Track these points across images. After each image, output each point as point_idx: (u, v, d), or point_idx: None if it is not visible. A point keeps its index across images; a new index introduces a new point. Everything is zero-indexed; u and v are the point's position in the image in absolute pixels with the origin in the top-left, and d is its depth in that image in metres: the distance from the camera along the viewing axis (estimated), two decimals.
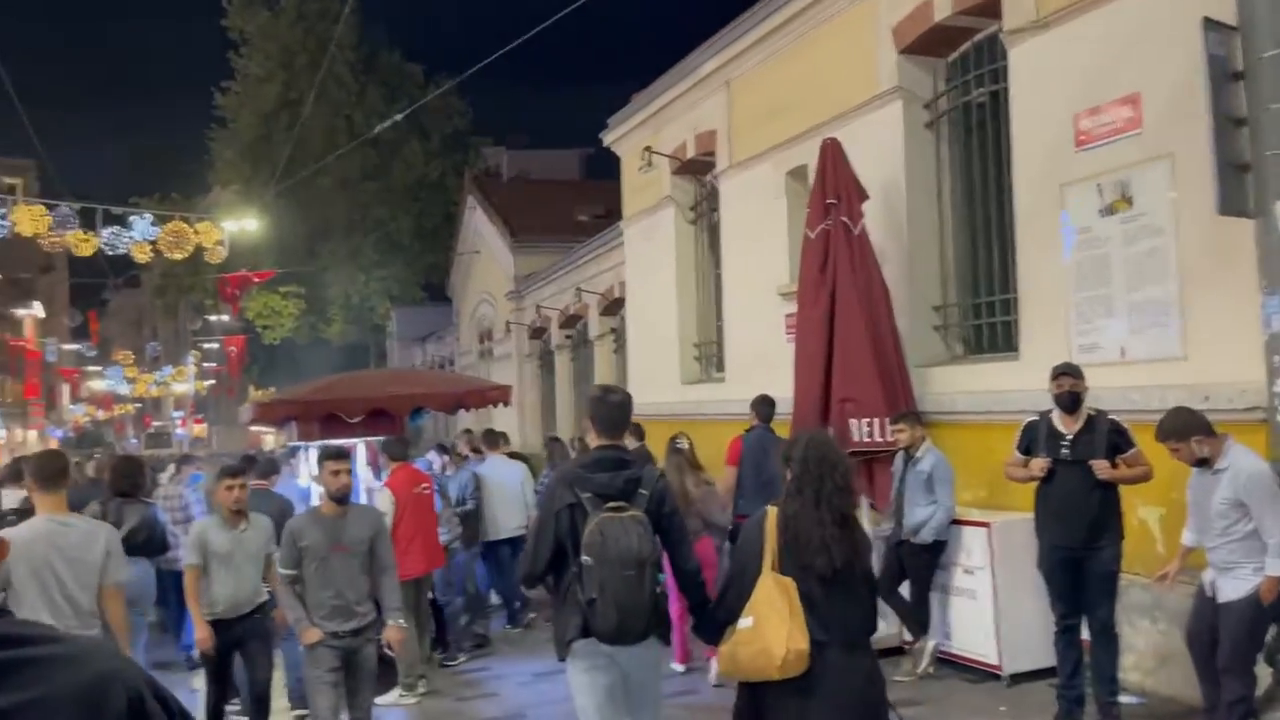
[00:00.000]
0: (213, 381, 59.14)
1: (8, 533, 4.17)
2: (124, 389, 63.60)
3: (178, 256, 20.67)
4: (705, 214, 11.12)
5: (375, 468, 7.91)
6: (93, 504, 6.22)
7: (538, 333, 19.06)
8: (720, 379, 10.51)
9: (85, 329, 72.00)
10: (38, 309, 59.69)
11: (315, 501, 7.95)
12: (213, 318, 41.03)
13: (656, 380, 11.75)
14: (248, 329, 33.52)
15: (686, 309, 11.26)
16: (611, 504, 3.44)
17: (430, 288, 27.17)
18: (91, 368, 66.43)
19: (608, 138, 12.78)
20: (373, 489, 7.19)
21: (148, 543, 6.32)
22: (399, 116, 15.80)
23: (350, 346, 30.14)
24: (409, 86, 25.63)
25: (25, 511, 5.92)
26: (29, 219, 19.26)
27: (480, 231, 23.16)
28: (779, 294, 8.99)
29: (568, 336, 17.55)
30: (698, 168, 10.96)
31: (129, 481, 6.52)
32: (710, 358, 11.14)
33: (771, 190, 9.23)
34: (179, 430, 67.98)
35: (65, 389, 66.36)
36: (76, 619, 4.06)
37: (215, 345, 47.76)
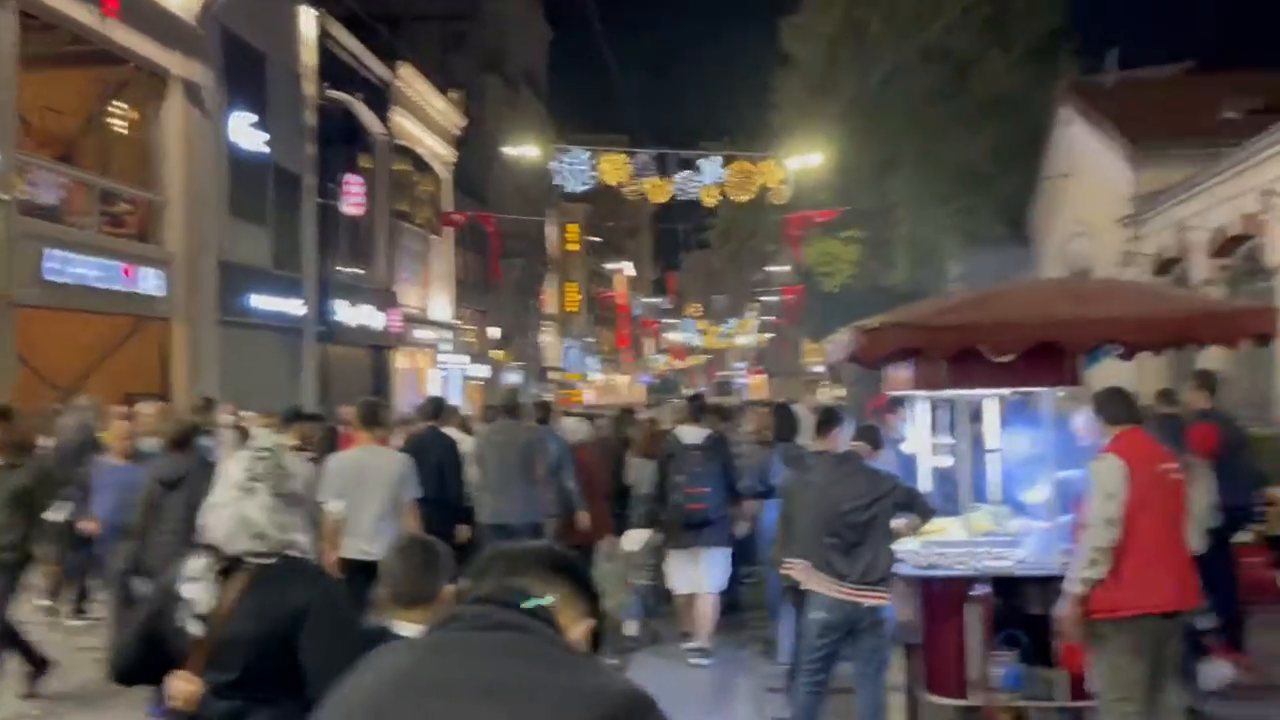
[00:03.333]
0: (772, 335, 61.20)
1: (334, 457, 6.07)
2: (696, 341, 68.90)
3: (743, 198, 19.99)
4: None
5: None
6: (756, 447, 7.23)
7: (1166, 266, 14.78)
8: None
9: (665, 287, 79.60)
10: (629, 268, 66.88)
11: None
12: (771, 268, 41.48)
13: None
14: (804, 279, 32.85)
15: None
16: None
17: (1009, 224, 23.49)
18: (668, 320, 73.07)
19: None
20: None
21: None
22: None
23: (907, 296, 27.53)
24: None
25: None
26: (612, 169, 19.98)
27: (1077, 148, 19.08)
28: None
29: (1223, 267, 13.13)
30: None
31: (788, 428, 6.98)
32: None
33: None
34: (740, 380, 72.08)
35: (649, 342, 74.03)
36: (378, 523, 5.43)
37: (774, 298, 48.82)
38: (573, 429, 8.45)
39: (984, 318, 4.48)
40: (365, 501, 5.51)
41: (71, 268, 12.44)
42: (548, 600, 1.35)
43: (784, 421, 6.95)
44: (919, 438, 5.60)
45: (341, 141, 21.86)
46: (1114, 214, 16.76)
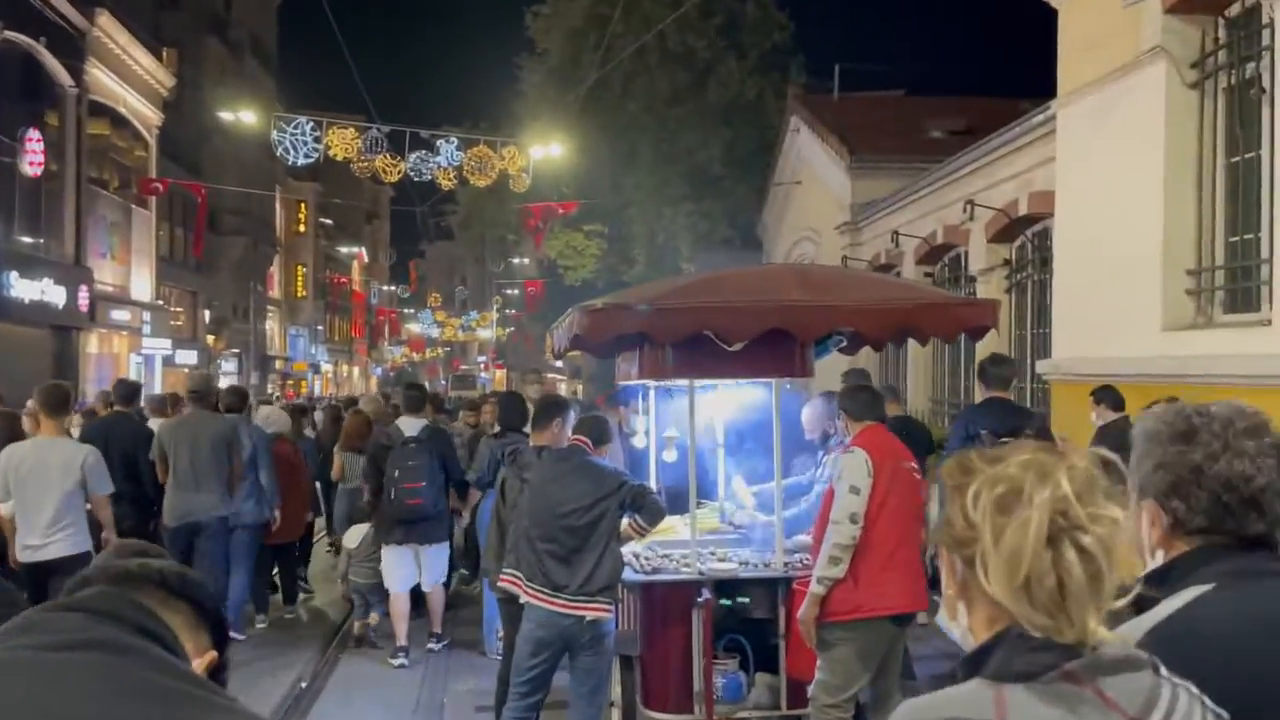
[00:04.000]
0: (512, 328, 60.61)
1: (8, 449, 5.30)
2: (435, 332, 66.95)
3: (482, 182, 19.30)
4: (1224, 69, 7.29)
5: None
6: (486, 438, 6.72)
7: (881, 271, 15.66)
8: (1252, 323, 6.76)
9: (405, 275, 76.87)
10: (364, 254, 63.86)
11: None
12: (515, 260, 40.90)
13: (1108, 325, 8.15)
14: (547, 273, 32.61)
15: (1179, 218, 7.50)
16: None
17: (740, 227, 24.34)
18: (407, 310, 70.54)
19: None
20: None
21: None
22: None
23: None
24: None
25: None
26: (340, 143, 18.61)
27: (805, 157, 19.98)
28: None
29: (927, 274, 14.05)
30: None
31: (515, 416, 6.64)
32: (1212, 292, 7.39)
33: None
34: (482, 374, 70.95)
35: (386, 333, 71.10)
36: (55, 519, 5.08)
37: (516, 291, 48.22)
38: (268, 419, 7.81)
39: (713, 301, 4.17)
40: (41, 497, 5.09)
41: None
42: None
43: (508, 410, 6.51)
44: (647, 431, 5.26)
45: (22, 92, 19.03)
46: (836, 220, 17.65)
